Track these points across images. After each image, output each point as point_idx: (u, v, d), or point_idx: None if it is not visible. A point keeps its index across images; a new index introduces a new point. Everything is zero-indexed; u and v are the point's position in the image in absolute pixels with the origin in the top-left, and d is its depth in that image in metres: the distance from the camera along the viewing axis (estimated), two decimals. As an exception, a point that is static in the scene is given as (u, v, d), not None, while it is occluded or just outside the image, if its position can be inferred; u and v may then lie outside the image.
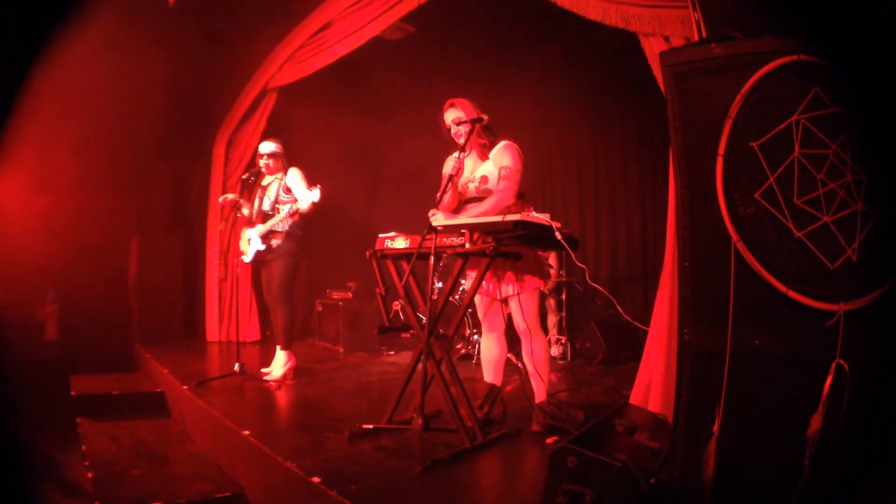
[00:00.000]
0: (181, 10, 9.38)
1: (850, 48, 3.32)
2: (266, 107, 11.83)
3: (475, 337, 10.09)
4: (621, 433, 4.70)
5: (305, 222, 8.60)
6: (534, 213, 5.47)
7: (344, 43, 9.84)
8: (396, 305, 11.22)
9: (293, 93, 11.53)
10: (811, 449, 3.31)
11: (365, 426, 5.87)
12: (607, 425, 4.83)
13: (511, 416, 6.31)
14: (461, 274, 5.74)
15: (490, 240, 5.25)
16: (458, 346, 10.32)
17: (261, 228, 8.51)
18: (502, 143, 6.05)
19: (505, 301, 6.16)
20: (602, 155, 12.48)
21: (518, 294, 5.93)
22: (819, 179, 3.47)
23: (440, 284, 9.41)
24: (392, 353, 11.27)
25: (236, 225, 11.53)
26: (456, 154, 5.98)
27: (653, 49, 6.33)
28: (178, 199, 13.24)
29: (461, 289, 9.61)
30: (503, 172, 5.91)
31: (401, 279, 5.97)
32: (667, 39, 6.22)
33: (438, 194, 5.87)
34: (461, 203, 6.18)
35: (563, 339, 10.52)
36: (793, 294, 3.49)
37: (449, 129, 6.15)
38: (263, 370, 8.76)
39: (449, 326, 5.96)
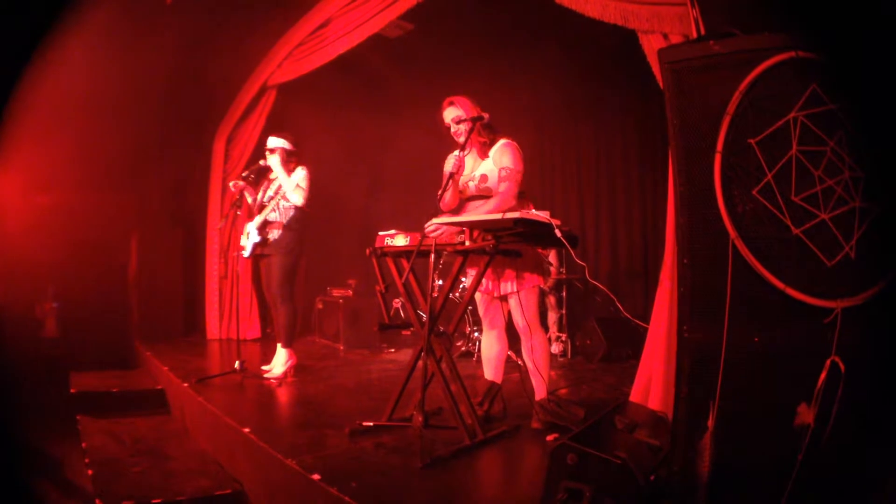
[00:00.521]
0: (179, 7, 9.38)
1: (848, 44, 3.33)
2: (266, 104, 11.83)
3: (475, 334, 10.11)
4: (621, 430, 4.71)
5: (305, 217, 8.61)
6: (533, 210, 5.47)
7: (343, 40, 9.83)
8: (397, 303, 11.26)
9: (293, 90, 11.53)
10: (804, 444, 3.31)
11: (365, 423, 5.88)
12: (607, 422, 4.83)
13: (511, 414, 6.33)
14: (461, 272, 5.75)
15: (490, 237, 5.25)
16: (459, 344, 10.34)
17: (258, 220, 8.52)
18: (502, 142, 6.04)
19: (504, 298, 6.16)
20: (602, 152, 12.50)
21: (518, 291, 5.93)
22: (817, 176, 3.47)
23: (440, 282, 9.42)
24: (392, 350, 11.28)
25: (236, 222, 11.54)
26: (456, 152, 5.98)
27: (651, 46, 6.33)
28: (177, 197, 13.22)
29: (461, 286, 9.61)
30: (503, 174, 5.90)
31: (401, 277, 5.98)
32: (665, 37, 6.22)
33: (439, 192, 5.88)
34: (462, 201, 6.18)
35: (564, 337, 10.53)
36: (790, 291, 3.49)
37: (448, 128, 6.15)
38: (264, 367, 8.77)
39: (449, 324, 5.97)
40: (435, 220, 5.52)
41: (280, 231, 8.44)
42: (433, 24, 10.31)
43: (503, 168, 5.91)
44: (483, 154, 6.11)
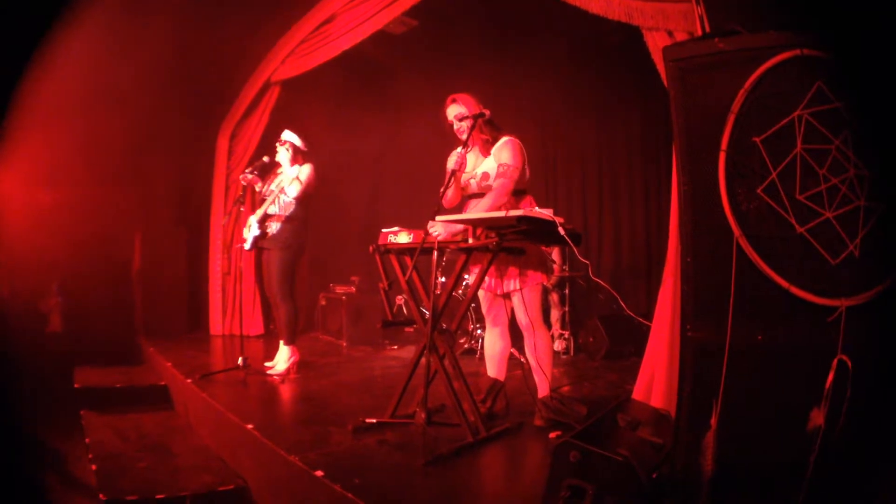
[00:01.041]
0: (182, 2, 9.38)
1: (853, 42, 3.32)
2: (269, 100, 11.82)
3: (478, 332, 10.10)
4: (624, 428, 4.70)
5: (306, 211, 8.62)
6: (536, 208, 5.47)
7: (347, 37, 9.82)
8: (400, 300, 11.24)
9: (297, 86, 11.53)
10: (816, 444, 3.31)
11: (368, 420, 5.88)
12: (610, 420, 4.83)
13: (514, 411, 6.33)
14: (464, 269, 5.75)
15: (493, 235, 5.25)
16: (462, 341, 10.33)
17: (259, 212, 8.53)
18: (504, 139, 6.04)
19: (508, 296, 6.16)
20: (605, 149, 12.47)
21: (521, 289, 5.93)
22: (821, 175, 3.47)
23: (443, 279, 9.41)
24: (395, 347, 11.28)
25: (239, 219, 11.54)
26: (459, 149, 5.97)
27: (656, 43, 6.32)
28: (181, 193, 13.26)
29: (464, 283, 9.62)
30: (500, 169, 5.90)
31: (404, 274, 5.98)
32: (670, 34, 6.21)
33: (441, 189, 5.88)
34: (464, 199, 6.19)
35: (567, 334, 10.54)
36: (794, 290, 3.49)
37: (451, 125, 6.15)
38: (267, 364, 8.77)
39: (452, 321, 5.97)
40: (438, 218, 5.52)
41: (279, 224, 8.45)
42: (437, 21, 10.31)
43: (501, 164, 5.91)
44: (485, 152, 6.12)
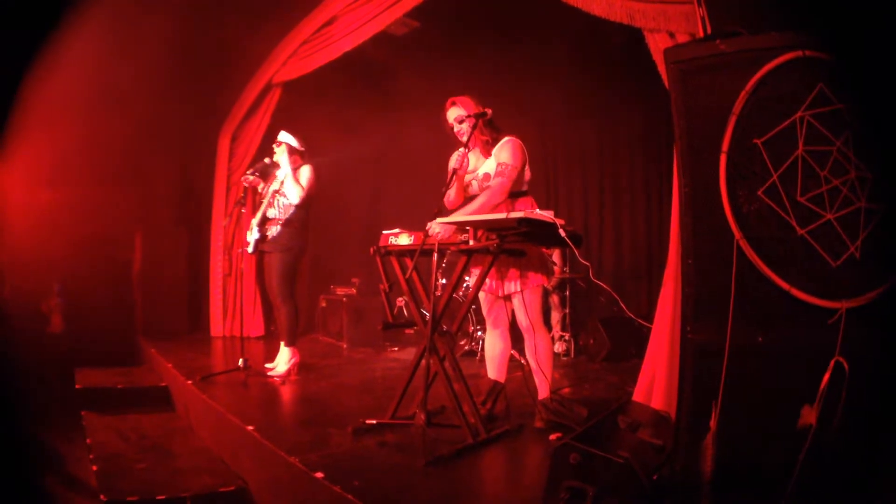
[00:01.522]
0: (184, 3, 9.38)
1: (855, 44, 3.32)
2: (271, 102, 11.83)
3: (479, 333, 10.11)
4: (624, 430, 4.70)
5: (306, 214, 8.61)
6: (537, 210, 5.47)
7: (348, 38, 9.83)
8: (400, 302, 11.24)
9: (298, 88, 11.54)
10: (807, 444, 3.31)
11: (368, 422, 5.89)
12: (610, 422, 4.83)
13: (514, 413, 6.32)
14: (465, 271, 5.74)
15: (494, 237, 5.25)
16: (462, 343, 10.33)
17: (258, 216, 8.54)
18: (504, 139, 6.05)
19: (508, 298, 6.16)
20: (606, 151, 12.49)
21: (521, 291, 5.93)
22: (823, 176, 3.47)
23: (444, 281, 9.41)
24: (396, 349, 11.29)
25: (240, 220, 11.55)
26: (461, 149, 5.97)
27: (657, 45, 6.33)
28: (182, 194, 13.27)
29: (465, 285, 9.62)
30: (499, 168, 5.91)
31: (405, 276, 5.98)
32: (671, 35, 6.21)
33: (444, 189, 5.88)
34: (466, 200, 6.18)
35: (567, 336, 10.54)
36: (795, 291, 3.49)
37: (452, 128, 6.15)
38: (267, 365, 8.77)
39: (453, 323, 5.97)
40: (439, 220, 5.52)
41: (279, 228, 8.45)
42: (439, 22, 10.31)
43: (500, 163, 5.93)
44: (486, 153, 6.13)
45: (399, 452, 5.27)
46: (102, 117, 10.33)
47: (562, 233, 5.26)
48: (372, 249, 6.12)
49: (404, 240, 5.90)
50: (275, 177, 8.68)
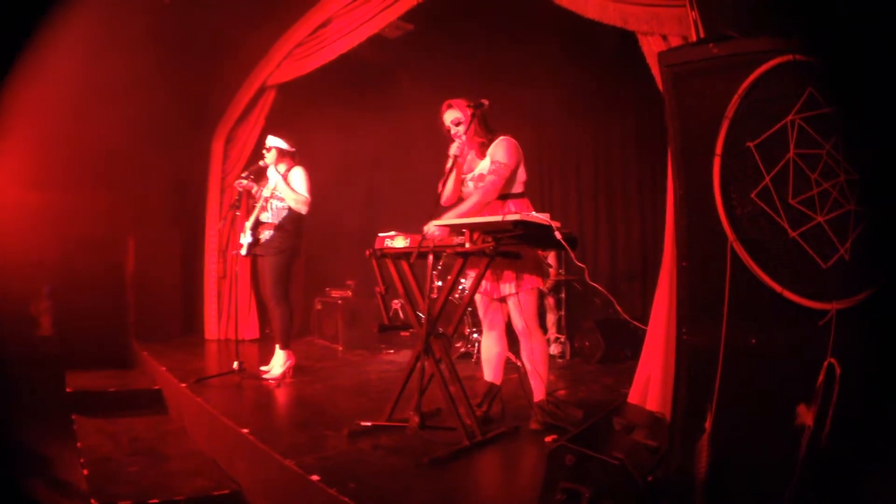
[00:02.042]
0: (179, 6, 9.38)
1: (844, 48, 3.34)
2: (265, 104, 11.84)
3: (475, 335, 10.11)
4: (619, 431, 4.72)
5: (299, 217, 8.60)
6: (533, 212, 5.49)
7: (343, 41, 9.85)
8: (396, 304, 11.25)
9: (293, 90, 11.54)
10: (803, 442, 3.33)
11: (364, 424, 5.90)
12: (605, 424, 4.85)
13: (510, 415, 6.33)
14: (461, 273, 5.76)
15: (490, 239, 5.26)
16: (458, 345, 10.34)
17: (251, 219, 8.54)
18: (499, 138, 6.06)
19: (504, 300, 6.17)
20: (601, 153, 12.52)
21: (517, 293, 5.94)
22: (813, 179, 3.49)
23: (439, 283, 9.42)
24: (392, 351, 11.29)
25: (235, 223, 11.55)
26: (462, 137, 5.97)
27: (651, 48, 6.36)
28: (176, 196, 13.23)
29: (460, 287, 9.62)
30: (492, 167, 5.93)
31: (401, 278, 6.00)
32: (665, 38, 6.24)
33: (440, 184, 5.89)
34: (460, 200, 6.20)
35: (562, 338, 10.54)
36: (787, 293, 3.50)
37: (449, 130, 6.17)
38: (262, 368, 8.76)
39: (448, 325, 5.98)
40: (434, 222, 5.54)
41: (272, 232, 8.45)
42: (433, 25, 10.32)
43: (493, 161, 5.95)
44: (481, 154, 6.14)
45: (395, 454, 5.28)
46: (94, 119, 10.31)
47: (557, 235, 5.29)
48: (368, 252, 6.12)
49: (400, 242, 5.91)
50: (268, 179, 8.67)
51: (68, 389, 8.75)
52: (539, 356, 6.04)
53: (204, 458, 6.54)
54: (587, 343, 10.15)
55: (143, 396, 8.99)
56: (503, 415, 6.31)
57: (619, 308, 6.01)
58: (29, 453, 7.08)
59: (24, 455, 6.99)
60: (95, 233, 11.76)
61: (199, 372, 8.76)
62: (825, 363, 3.34)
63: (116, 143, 11.14)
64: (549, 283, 10.40)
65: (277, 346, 8.65)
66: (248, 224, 8.56)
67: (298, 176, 8.44)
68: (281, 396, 7.83)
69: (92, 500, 5.36)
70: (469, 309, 8.55)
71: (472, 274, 6.04)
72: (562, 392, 7.75)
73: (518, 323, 6.01)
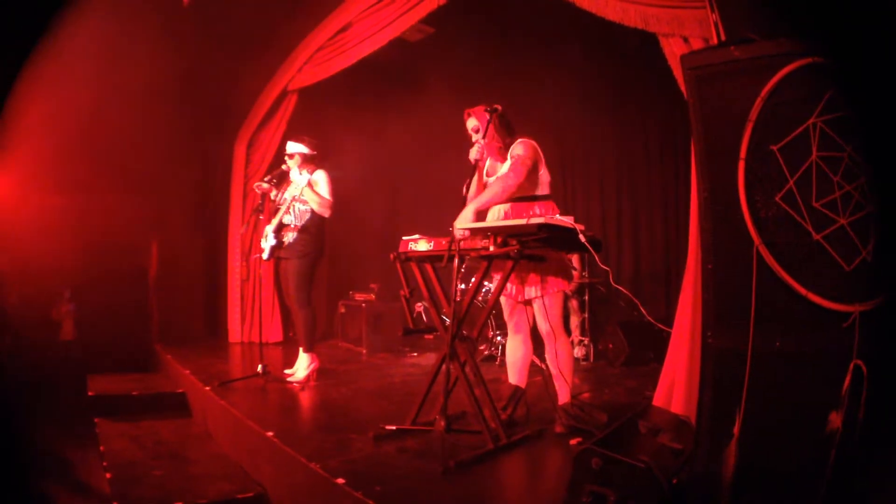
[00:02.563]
0: (199, 10, 9.40)
1: (864, 49, 3.33)
2: (287, 108, 11.85)
3: (498, 338, 10.11)
4: (644, 434, 4.72)
5: (322, 220, 8.62)
6: (558, 215, 5.49)
7: (364, 44, 9.86)
8: (419, 307, 11.25)
9: (315, 94, 11.55)
10: (834, 447, 3.32)
11: (389, 427, 5.90)
12: (630, 426, 4.85)
13: (534, 418, 6.33)
14: (486, 276, 5.76)
15: (514, 242, 5.26)
16: (482, 348, 10.33)
17: (274, 222, 8.57)
18: (518, 140, 6.07)
19: (529, 303, 6.17)
20: (623, 155, 12.46)
21: (542, 296, 5.94)
22: (836, 182, 3.48)
23: (463, 286, 9.42)
24: (415, 354, 11.29)
25: (258, 227, 11.57)
26: (482, 141, 5.97)
27: (672, 50, 6.35)
28: (198, 200, 13.27)
29: (484, 290, 9.63)
30: (512, 162, 5.96)
31: (425, 281, 6.01)
32: (686, 40, 6.23)
33: (464, 188, 5.90)
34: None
35: (586, 341, 10.52)
36: (811, 296, 3.50)
37: (471, 136, 6.18)
38: (286, 371, 8.77)
39: (473, 328, 5.98)
40: (459, 226, 5.53)
41: (296, 234, 8.46)
42: (454, 29, 10.31)
43: (511, 157, 5.99)
44: (501, 158, 6.14)
45: (420, 458, 5.29)
46: (116, 122, 10.36)
47: (582, 238, 5.29)
48: (392, 255, 6.13)
49: (423, 245, 5.91)
50: (290, 182, 8.69)
51: (90, 393, 8.75)
52: (564, 359, 6.04)
53: (228, 462, 6.56)
54: (611, 345, 10.14)
55: (166, 400, 9.01)
56: (528, 418, 6.31)
57: (643, 310, 6.00)
58: (51, 457, 7.12)
59: (47, 458, 7.03)
60: (118, 237, 11.80)
61: (222, 375, 8.78)
62: (851, 365, 3.33)
63: (139, 147, 11.19)
64: (573, 285, 10.38)
65: (301, 350, 8.66)
66: (270, 228, 8.56)
67: (321, 179, 8.44)
68: (305, 400, 7.83)
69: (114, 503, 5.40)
70: (493, 311, 8.56)
71: (496, 277, 6.05)
72: (586, 395, 7.75)
73: (543, 326, 6.01)
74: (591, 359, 10.40)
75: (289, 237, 8.47)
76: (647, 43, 6.85)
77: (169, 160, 12.19)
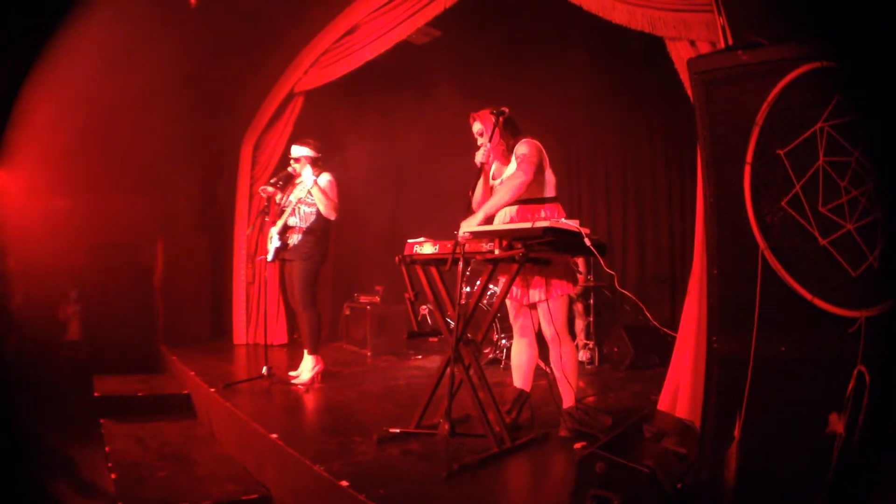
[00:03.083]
0: (206, 12, 9.40)
1: (872, 54, 3.32)
2: (293, 110, 11.85)
3: (503, 341, 10.10)
4: (649, 439, 4.72)
5: (329, 223, 8.62)
6: (563, 219, 5.49)
7: (370, 47, 9.86)
8: (424, 310, 11.24)
9: (321, 97, 11.55)
10: (835, 451, 3.32)
11: (393, 430, 5.90)
12: (635, 431, 4.84)
13: (539, 422, 6.32)
14: (490, 280, 5.76)
15: (519, 246, 5.26)
16: (486, 351, 10.32)
17: (279, 224, 8.57)
18: (521, 141, 6.06)
19: (533, 306, 6.16)
20: (629, 158, 12.45)
21: (546, 300, 5.93)
22: (842, 187, 3.48)
23: (467, 289, 9.41)
24: (420, 357, 11.27)
25: (263, 229, 11.56)
26: (486, 145, 5.97)
27: (679, 53, 6.34)
28: (204, 202, 13.27)
29: (489, 293, 9.62)
30: (518, 160, 5.92)
31: (430, 284, 6.00)
32: (692, 44, 6.23)
33: (470, 191, 5.90)
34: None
35: (591, 344, 10.50)
36: (817, 301, 3.50)
37: (476, 140, 6.18)
38: (291, 373, 8.77)
39: (477, 331, 5.98)
40: (465, 229, 5.53)
41: (300, 236, 8.46)
42: (460, 31, 10.30)
43: (517, 156, 5.96)
44: (506, 160, 6.13)
45: (424, 461, 5.29)
46: (123, 124, 10.38)
47: (587, 242, 5.28)
48: (397, 258, 6.13)
49: (429, 248, 5.91)
50: (295, 185, 8.69)
51: (96, 394, 8.78)
52: (568, 363, 6.03)
53: (233, 463, 6.56)
54: (616, 349, 10.12)
55: (171, 401, 9.03)
56: (532, 421, 6.29)
57: (648, 315, 6.00)
58: (57, 456, 7.12)
59: (52, 458, 7.04)
60: (124, 238, 11.86)
61: (227, 377, 8.79)
62: (855, 370, 3.32)
63: (145, 149, 11.18)
64: (578, 288, 10.37)
65: (306, 352, 8.66)
66: (275, 230, 8.56)
67: (326, 182, 8.44)
68: (310, 402, 7.84)
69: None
70: (498, 314, 8.55)
71: (501, 280, 6.05)
72: (591, 399, 7.74)
73: (547, 329, 6.00)
74: (596, 362, 10.38)
75: (294, 239, 8.47)
76: (653, 45, 6.85)
77: (175, 161, 12.21)
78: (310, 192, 8.39)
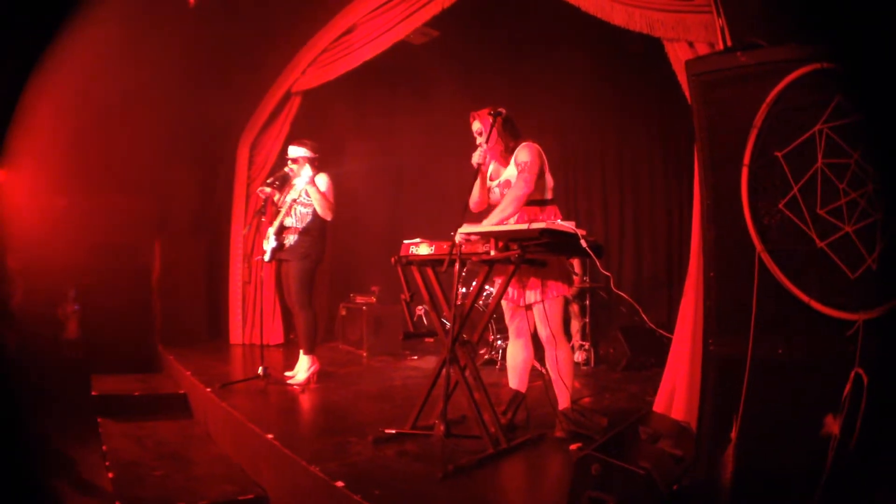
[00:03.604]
0: (202, 12, 9.39)
1: (871, 55, 3.32)
2: (290, 111, 11.83)
3: (499, 342, 10.09)
4: (645, 440, 4.71)
5: (325, 224, 8.61)
6: (559, 220, 5.48)
7: (368, 47, 9.84)
8: (420, 310, 11.24)
9: (319, 97, 11.54)
10: (830, 452, 3.32)
11: (388, 431, 5.89)
12: (631, 432, 4.84)
13: (534, 423, 6.31)
14: (486, 281, 5.75)
15: (515, 247, 5.25)
16: (482, 352, 10.31)
17: (275, 224, 8.57)
18: (522, 144, 6.05)
19: (529, 307, 6.15)
20: (626, 160, 12.46)
21: (542, 301, 5.93)
22: (841, 189, 3.47)
23: (463, 290, 9.40)
24: (416, 357, 11.26)
25: (260, 229, 11.54)
26: (483, 146, 5.97)
27: (677, 55, 6.33)
28: (201, 202, 13.25)
29: (485, 294, 9.61)
30: (519, 168, 5.93)
31: (425, 285, 6.00)
32: (691, 45, 6.22)
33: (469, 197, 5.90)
34: (489, 208, 6.19)
35: (587, 345, 10.50)
36: (814, 304, 3.49)
37: (476, 139, 6.18)
38: (287, 374, 8.75)
39: (473, 332, 5.97)
40: (462, 230, 5.52)
41: (297, 236, 8.46)
42: (458, 32, 10.30)
43: (518, 164, 5.96)
44: (505, 161, 6.14)
45: (419, 462, 5.28)
46: (120, 124, 10.38)
47: (583, 243, 5.28)
48: (393, 259, 6.12)
49: (425, 249, 5.90)
50: (292, 185, 8.68)
51: (94, 393, 8.76)
52: (564, 364, 6.03)
53: (229, 463, 6.55)
54: (612, 350, 10.12)
55: (168, 400, 9.02)
56: (528, 422, 6.29)
57: (644, 317, 6.00)
58: (55, 455, 7.12)
59: (50, 457, 7.03)
60: (122, 237, 11.83)
61: (224, 376, 8.78)
62: (852, 373, 3.32)
63: (143, 149, 11.19)
64: (574, 290, 10.37)
65: (302, 352, 8.64)
66: (272, 230, 8.56)
67: (323, 182, 8.43)
68: (305, 402, 7.83)
69: (116, 503, 5.39)
70: (493, 315, 8.55)
71: (497, 281, 6.04)
72: (587, 400, 7.73)
73: (543, 331, 6.00)
74: (592, 363, 10.38)
75: (290, 239, 8.46)
76: (651, 47, 6.84)
77: (173, 161, 12.21)
78: (306, 193, 8.39)
